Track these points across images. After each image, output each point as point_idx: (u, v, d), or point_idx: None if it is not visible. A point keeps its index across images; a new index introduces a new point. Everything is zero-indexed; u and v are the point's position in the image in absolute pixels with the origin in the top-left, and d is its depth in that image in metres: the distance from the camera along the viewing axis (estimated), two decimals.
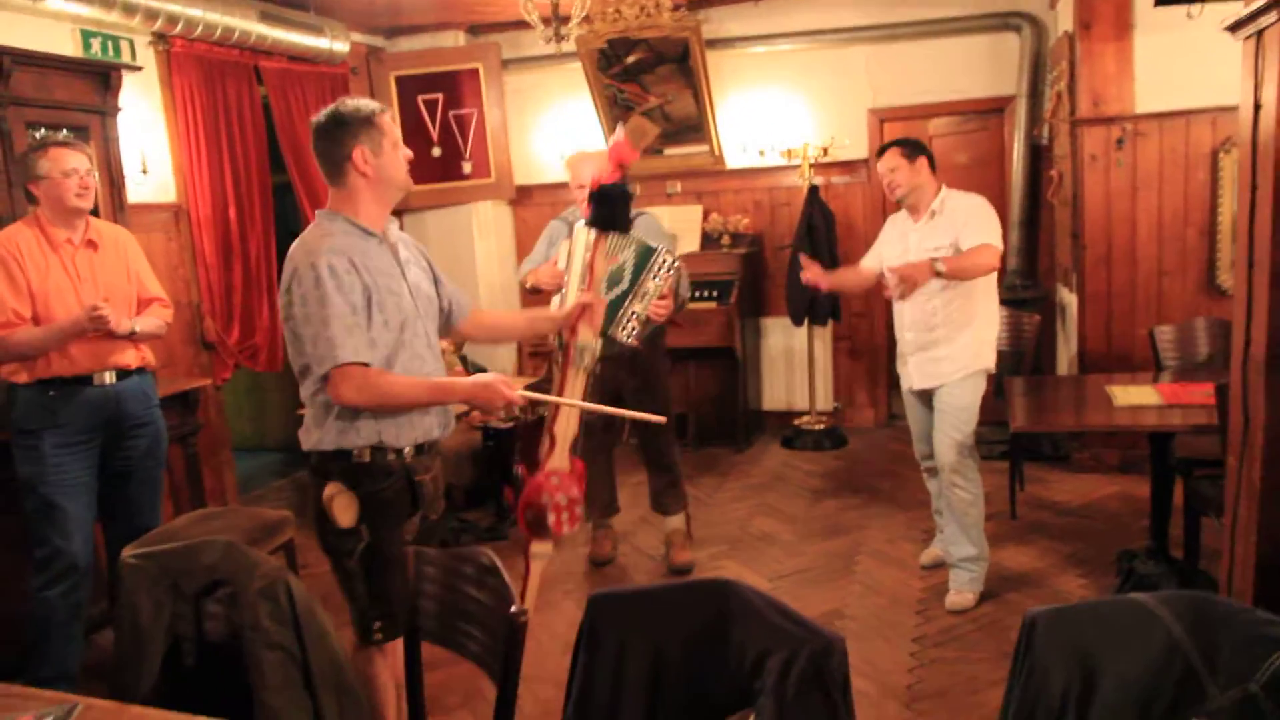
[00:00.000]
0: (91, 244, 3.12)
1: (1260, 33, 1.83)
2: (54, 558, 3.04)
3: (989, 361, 3.53)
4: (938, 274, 3.32)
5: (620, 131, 2.54)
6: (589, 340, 2.44)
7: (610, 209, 2.49)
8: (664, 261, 3.60)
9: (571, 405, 2.46)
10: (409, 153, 2.38)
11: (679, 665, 1.66)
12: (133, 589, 2.09)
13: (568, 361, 2.46)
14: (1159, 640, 1.41)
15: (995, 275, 3.51)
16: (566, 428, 2.40)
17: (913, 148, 3.54)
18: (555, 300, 3.62)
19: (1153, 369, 4.15)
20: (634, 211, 3.93)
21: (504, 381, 2.32)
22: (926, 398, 3.64)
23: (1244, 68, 1.93)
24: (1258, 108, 1.86)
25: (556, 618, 3.63)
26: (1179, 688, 1.39)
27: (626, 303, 3.62)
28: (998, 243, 3.41)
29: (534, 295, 4.16)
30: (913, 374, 3.62)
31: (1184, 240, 4.71)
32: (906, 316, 3.59)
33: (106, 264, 3.16)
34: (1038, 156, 5.49)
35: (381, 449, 2.29)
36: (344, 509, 2.24)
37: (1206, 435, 3.14)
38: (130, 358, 3.17)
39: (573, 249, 3.67)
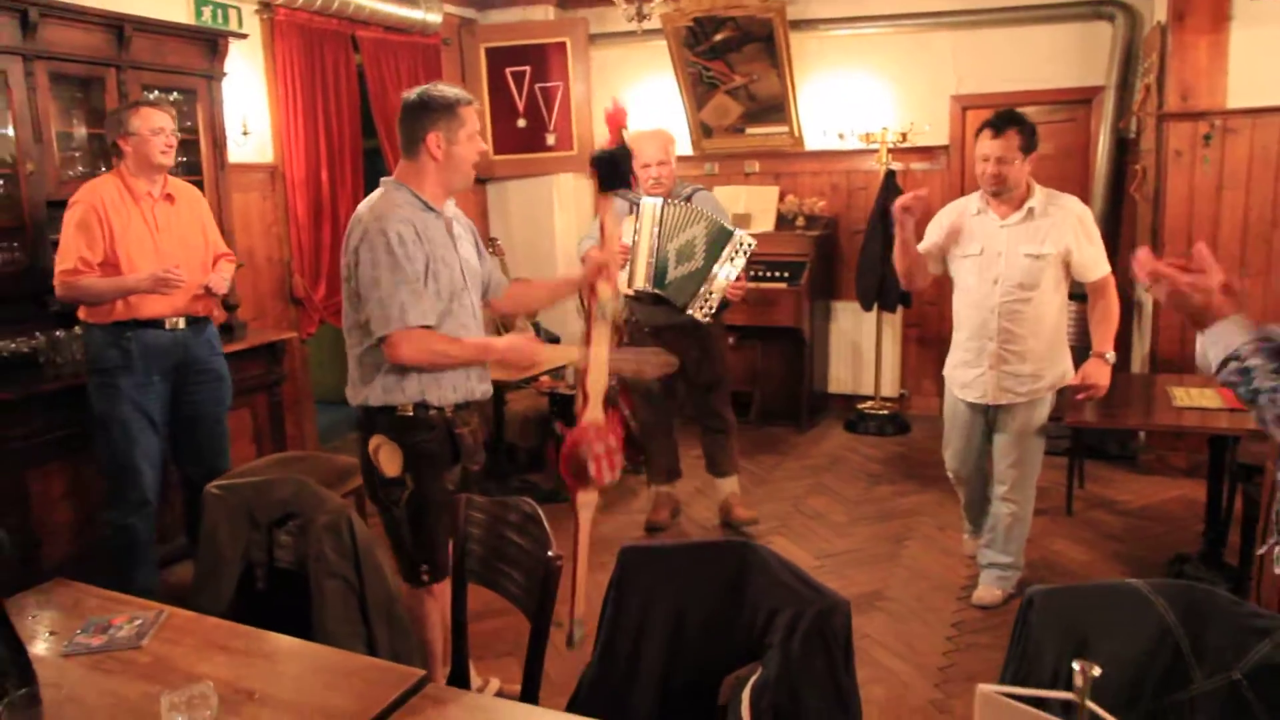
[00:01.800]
0: (169, 198, 3.33)
1: None
2: (128, 491, 3.25)
3: (1070, 370, 3.31)
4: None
5: (611, 103, 2.71)
6: (607, 297, 2.61)
7: (613, 170, 2.67)
8: (742, 244, 3.82)
9: (588, 363, 2.66)
10: (485, 146, 2.55)
11: (698, 618, 1.78)
12: (214, 518, 2.31)
13: (591, 317, 2.64)
14: (1152, 625, 1.47)
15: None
16: (598, 382, 2.59)
17: (1030, 137, 3.12)
18: (623, 275, 3.77)
19: None
20: (690, 188, 4.08)
21: (532, 342, 2.62)
22: (984, 409, 3.38)
23: None
24: None
25: (607, 577, 3.77)
26: (1167, 671, 1.45)
27: (705, 284, 3.81)
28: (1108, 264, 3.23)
29: None
30: (983, 386, 3.31)
31: (1270, 242, 4.58)
32: (993, 325, 3.24)
33: (182, 218, 3.36)
34: (1123, 150, 5.38)
35: (424, 405, 2.47)
36: (389, 459, 2.44)
37: (1267, 442, 3.11)
38: (199, 306, 3.37)
39: (640, 224, 3.84)
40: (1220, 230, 4.61)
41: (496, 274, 2.79)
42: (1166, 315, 4.76)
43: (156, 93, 3.76)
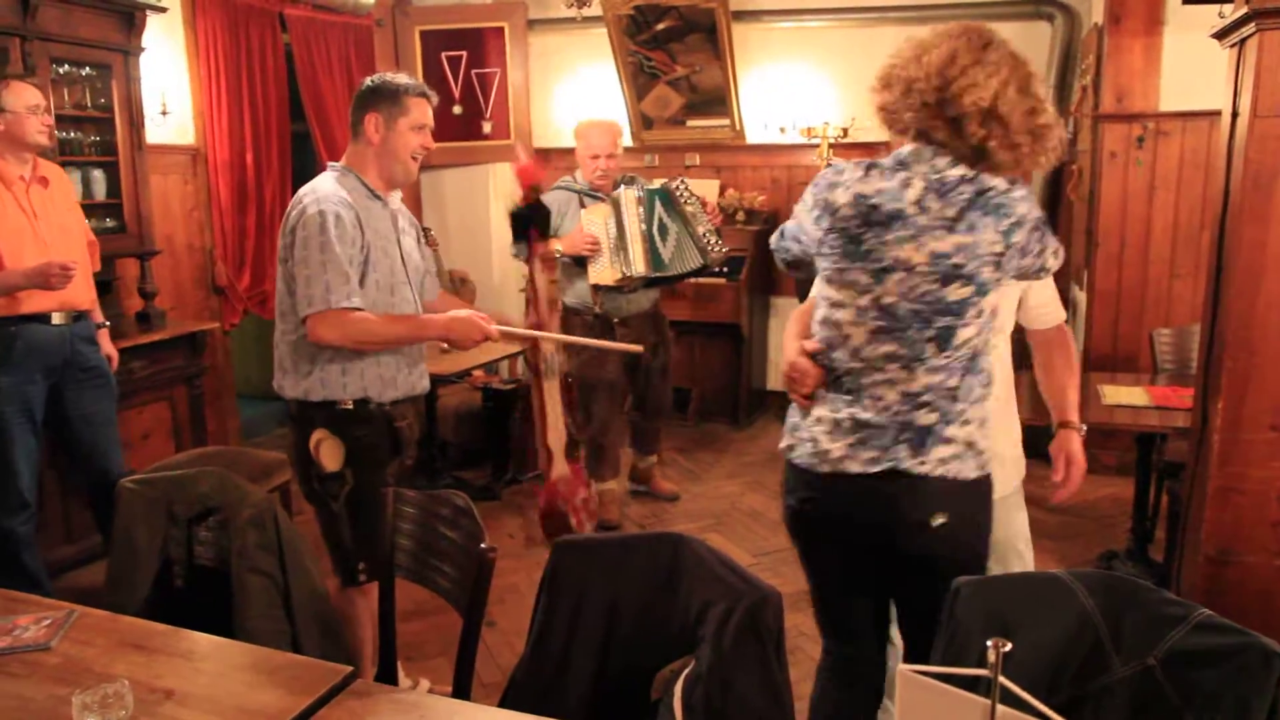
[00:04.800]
0: (44, 180, 3.09)
1: (1242, 42, 1.86)
2: (6, 495, 3.05)
3: None
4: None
5: (521, 153, 2.75)
6: (551, 353, 2.65)
7: (541, 221, 2.72)
8: (678, 187, 4.06)
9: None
10: (430, 143, 2.47)
11: (632, 611, 1.75)
12: (129, 513, 2.20)
13: (539, 375, 2.66)
14: (1073, 613, 1.49)
15: None
16: (556, 435, 2.60)
17: None
18: (602, 267, 3.90)
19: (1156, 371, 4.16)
20: (626, 176, 4.16)
21: (481, 316, 2.43)
22: None
23: (1228, 75, 1.96)
24: (1235, 115, 1.89)
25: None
26: (1087, 658, 1.47)
27: (693, 231, 4.05)
28: None
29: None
30: None
31: (1199, 244, 4.69)
32: None
33: (57, 201, 3.13)
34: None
35: (364, 400, 2.40)
36: (331, 453, 2.37)
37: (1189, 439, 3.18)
38: (85, 300, 3.17)
39: (623, 215, 3.93)
40: (1152, 231, 4.71)
41: (430, 280, 2.72)
42: (1099, 316, 4.86)
43: (67, 66, 3.57)
